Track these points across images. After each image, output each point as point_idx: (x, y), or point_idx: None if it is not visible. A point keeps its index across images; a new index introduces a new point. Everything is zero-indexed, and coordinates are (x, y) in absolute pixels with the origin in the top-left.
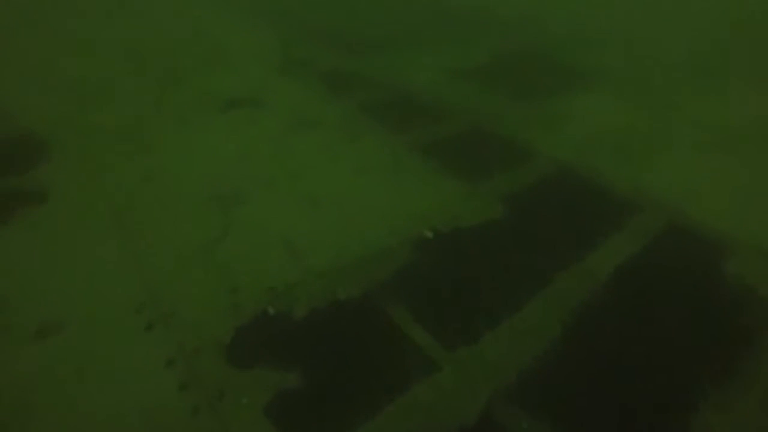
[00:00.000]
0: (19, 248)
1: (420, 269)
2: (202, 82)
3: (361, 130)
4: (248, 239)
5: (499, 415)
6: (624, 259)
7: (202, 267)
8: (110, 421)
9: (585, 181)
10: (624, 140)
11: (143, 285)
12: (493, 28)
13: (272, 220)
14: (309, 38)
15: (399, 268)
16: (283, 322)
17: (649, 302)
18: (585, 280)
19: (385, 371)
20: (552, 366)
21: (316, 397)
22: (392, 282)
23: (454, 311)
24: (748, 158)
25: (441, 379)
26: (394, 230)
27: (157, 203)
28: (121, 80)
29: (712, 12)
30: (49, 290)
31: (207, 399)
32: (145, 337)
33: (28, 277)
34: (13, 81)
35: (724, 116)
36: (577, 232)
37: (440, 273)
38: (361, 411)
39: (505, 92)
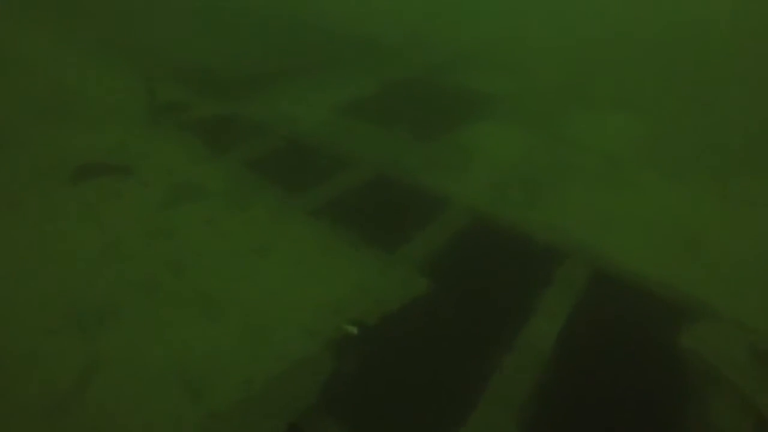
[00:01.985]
0: None
1: (349, 379)
2: (44, 144)
3: (251, 195)
4: (125, 379)
5: None
6: (562, 323)
7: None
8: None
9: (502, 231)
10: (529, 177)
11: None
12: (376, 55)
13: (156, 344)
14: (177, 79)
15: (324, 383)
16: None
17: (598, 379)
18: (530, 358)
19: None
20: None
21: None
22: (320, 403)
23: (401, 427)
24: (643, 187)
25: None
26: (310, 330)
27: None
28: None
29: (586, 32)
30: None
31: None
32: None
33: None
34: None
35: (609, 142)
36: (509, 295)
37: (374, 380)
38: None
39: (401, 129)
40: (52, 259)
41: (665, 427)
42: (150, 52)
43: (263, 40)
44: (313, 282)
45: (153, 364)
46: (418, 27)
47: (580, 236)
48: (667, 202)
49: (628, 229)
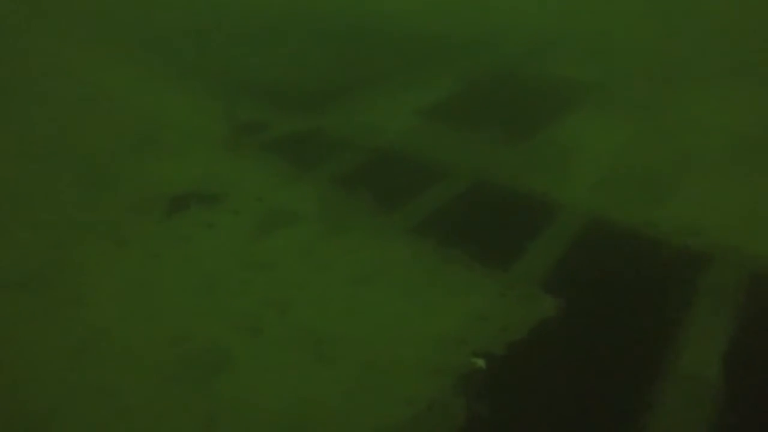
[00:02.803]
0: None
1: (487, 425)
2: (135, 176)
3: (347, 217)
4: (246, 430)
5: None
6: (726, 345)
7: None
8: None
9: (625, 235)
10: (644, 170)
11: None
12: (452, 52)
13: (272, 392)
14: (254, 97)
15: (459, 428)
16: None
17: None
18: (695, 389)
19: None
20: None
21: None
22: None
23: None
24: None
25: None
26: (433, 368)
27: (98, 391)
28: (23, 186)
29: (683, 5)
30: None
31: None
32: None
33: None
34: None
35: (735, 119)
36: (651, 311)
37: (513, 421)
38: None
39: (492, 128)
40: (156, 298)
41: None
42: (224, 73)
43: (332, 49)
44: (427, 311)
45: (272, 415)
46: (489, 19)
47: (720, 236)
48: None
49: None
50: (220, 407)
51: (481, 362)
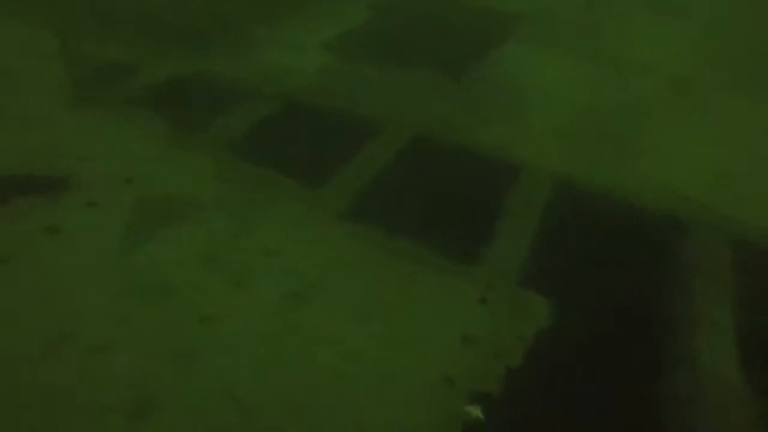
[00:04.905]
0: None
1: None
2: None
3: (257, 201)
4: None
5: None
6: (733, 335)
7: None
8: None
9: (600, 202)
10: (599, 119)
11: None
12: None
13: None
14: (115, 30)
15: None
16: None
17: None
18: (716, 390)
19: None
20: None
21: None
22: None
23: None
24: (726, 112)
25: None
26: (417, 426)
27: None
28: None
29: None
30: None
31: None
32: None
33: None
34: None
35: (672, 59)
36: (653, 301)
37: None
38: None
39: (421, 66)
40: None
41: None
42: None
43: None
44: (392, 339)
45: None
46: None
47: (697, 197)
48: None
49: (747, 176)
50: None
51: (476, 412)
